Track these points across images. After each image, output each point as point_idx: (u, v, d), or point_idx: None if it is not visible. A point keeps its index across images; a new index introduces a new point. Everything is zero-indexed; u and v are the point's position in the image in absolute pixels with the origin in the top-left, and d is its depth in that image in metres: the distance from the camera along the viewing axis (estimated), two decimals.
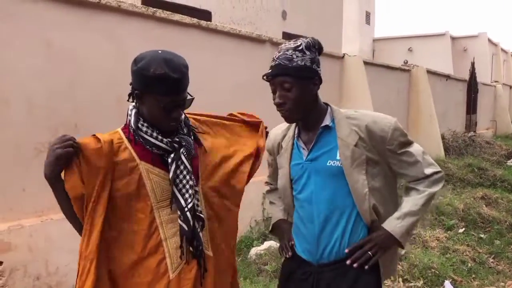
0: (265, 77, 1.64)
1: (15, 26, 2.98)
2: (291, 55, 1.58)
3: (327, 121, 1.68)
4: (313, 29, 9.81)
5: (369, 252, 1.60)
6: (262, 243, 4.54)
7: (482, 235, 5.23)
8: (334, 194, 1.65)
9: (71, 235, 2.85)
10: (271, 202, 2.05)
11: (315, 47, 1.63)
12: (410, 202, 1.66)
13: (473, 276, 4.12)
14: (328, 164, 1.64)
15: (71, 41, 3.28)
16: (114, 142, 1.54)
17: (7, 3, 2.97)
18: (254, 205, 4.84)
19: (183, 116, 1.64)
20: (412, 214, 1.64)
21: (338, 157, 1.63)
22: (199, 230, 1.62)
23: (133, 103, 1.60)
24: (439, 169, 1.70)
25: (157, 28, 3.92)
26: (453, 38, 22.38)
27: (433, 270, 3.95)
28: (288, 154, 1.76)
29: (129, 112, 1.58)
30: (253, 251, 4.31)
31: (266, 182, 2.09)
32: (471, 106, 14.20)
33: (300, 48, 1.59)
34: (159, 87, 1.49)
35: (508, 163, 9.22)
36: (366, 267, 1.59)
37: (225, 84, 4.65)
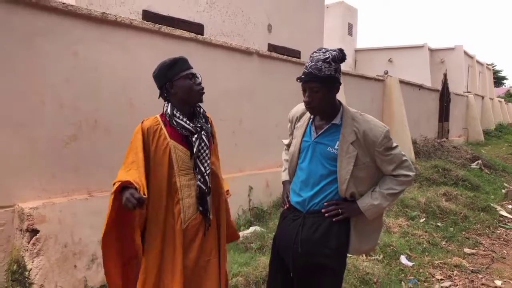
0: (298, 80, 2.11)
1: (48, 40, 3.60)
2: (321, 66, 2.02)
3: (337, 120, 2.15)
4: (296, 41, 10.55)
5: (339, 210, 2.13)
6: (248, 228, 5.13)
7: (439, 224, 5.86)
8: (326, 171, 2.15)
9: (92, 213, 3.53)
10: (284, 161, 2.54)
11: (340, 59, 2.06)
12: (380, 198, 2.14)
13: (426, 254, 4.73)
14: (328, 149, 2.14)
15: (93, 52, 3.90)
16: (153, 125, 2.22)
17: (49, 24, 3.63)
18: (241, 196, 5.51)
19: (202, 110, 2.32)
20: (376, 206, 2.14)
21: (336, 147, 2.12)
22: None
23: (166, 102, 2.26)
24: (410, 173, 2.17)
25: (162, 41, 4.58)
26: (431, 50, 22.96)
27: (392, 247, 4.60)
28: (302, 130, 2.26)
29: (166, 105, 2.24)
30: (241, 234, 4.94)
31: (286, 145, 2.58)
32: (443, 115, 15.01)
33: (328, 60, 2.02)
34: (179, 66, 2.21)
35: (472, 166, 9.85)
36: (334, 219, 2.12)
37: (217, 91, 5.28)
